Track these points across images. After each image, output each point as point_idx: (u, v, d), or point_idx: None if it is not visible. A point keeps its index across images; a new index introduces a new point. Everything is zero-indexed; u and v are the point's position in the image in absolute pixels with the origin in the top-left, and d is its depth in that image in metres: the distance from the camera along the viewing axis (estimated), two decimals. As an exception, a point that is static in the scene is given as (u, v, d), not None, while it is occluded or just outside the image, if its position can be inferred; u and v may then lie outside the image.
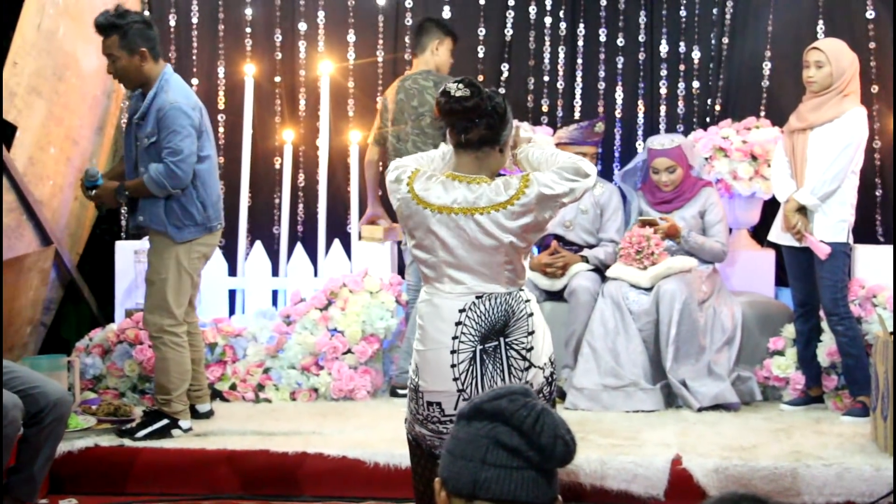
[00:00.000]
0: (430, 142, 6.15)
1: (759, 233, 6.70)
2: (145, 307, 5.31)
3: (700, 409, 5.78)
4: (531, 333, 3.54)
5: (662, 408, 5.87)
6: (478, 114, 3.50)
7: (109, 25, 5.12)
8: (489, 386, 3.50)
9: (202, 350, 5.75)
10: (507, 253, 3.52)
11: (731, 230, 6.47)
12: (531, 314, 3.56)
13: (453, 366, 3.52)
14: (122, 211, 6.81)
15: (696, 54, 7.02)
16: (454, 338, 3.52)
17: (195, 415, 5.55)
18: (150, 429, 5.22)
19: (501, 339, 3.51)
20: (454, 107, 3.49)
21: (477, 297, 3.53)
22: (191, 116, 5.12)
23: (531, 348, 3.53)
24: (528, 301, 3.58)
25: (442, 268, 3.55)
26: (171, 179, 5.08)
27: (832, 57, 5.58)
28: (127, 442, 5.18)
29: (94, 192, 5.34)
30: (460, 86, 3.50)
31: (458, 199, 3.51)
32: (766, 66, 6.91)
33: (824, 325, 5.79)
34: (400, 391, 6.17)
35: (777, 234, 5.82)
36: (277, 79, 7.27)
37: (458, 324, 3.52)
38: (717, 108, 6.99)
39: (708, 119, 6.97)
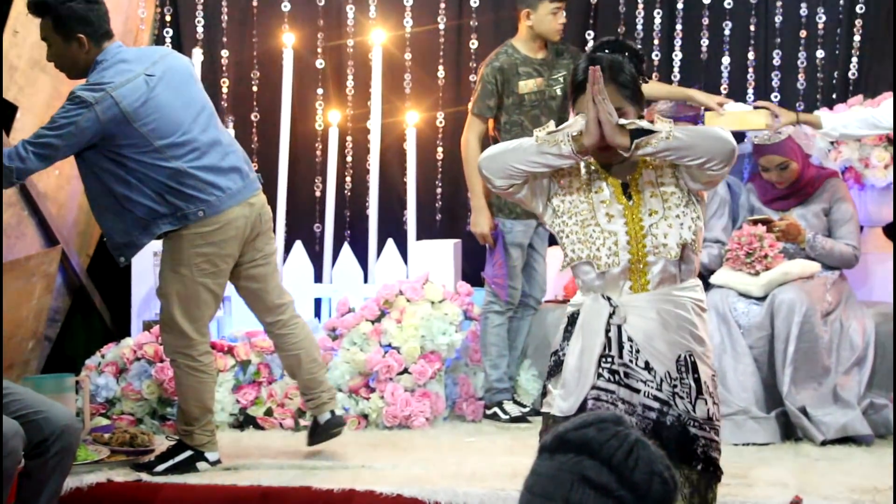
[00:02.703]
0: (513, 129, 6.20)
1: (896, 231, 6.62)
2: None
3: (824, 443, 5.72)
4: None
5: (779, 440, 5.82)
6: None
7: (40, 5, 5.03)
8: None
9: (305, 344, 5.46)
10: None
11: (861, 228, 6.39)
12: None
13: None
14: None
15: (820, 18, 6.94)
16: None
17: (315, 429, 5.51)
18: (171, 462, 5.25)
19: None
20: None
21: None
22: (90, 112, 4.92)
23: None
24: None
25: None
26: (14, 160, 4.90)
27: None
28: (145, 477, 5.20)
29: None
30: None
31: None
32: (908, 31, 6.81)
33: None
34: (502, 414, 6.22)
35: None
36: (321, 50, 7.29)
37: None
38: (846, 82, 6.90)
39: (834, 95, 6.90)
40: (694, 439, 3.61)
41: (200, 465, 5.27)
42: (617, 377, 3.59)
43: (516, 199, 3.75)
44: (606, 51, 3.73)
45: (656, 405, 3.58)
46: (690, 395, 3.61)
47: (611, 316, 3.61)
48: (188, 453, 5.27)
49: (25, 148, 4.94)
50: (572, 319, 3.72)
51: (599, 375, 3.59)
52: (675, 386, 3.60)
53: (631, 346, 3.61)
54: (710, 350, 3.73)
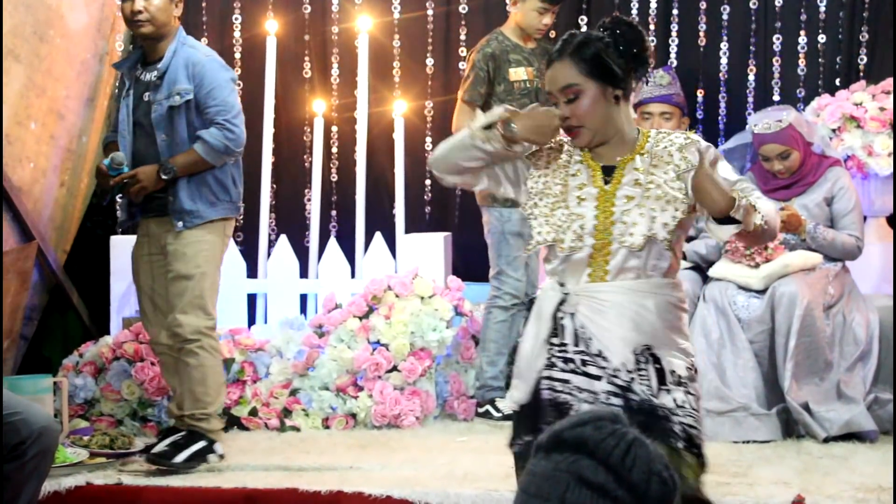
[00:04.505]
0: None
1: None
2: (177, 307, 5.33)
3: (827, 440, 5.74)
4: None
5: (780, 437, 5.83)
6: None
7: None
8: None
9: None
10: None
11: (864, 218, 6.39)
12: None
13: None
14: (118, 199, 6.84)
15: (822, 1, 6.95)
16: None
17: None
18: (190, 451, 5.29)
19: None
20: None
21: None
22: (230, 71, 5.45)
23: None
24: None
25: None
26: (231, 141, 5.30)
27: None
28: (125, 479, 5.19)
29: (126, 180, 5.35)
30: None
31: None
32: (914, 16, 6.82)
33: None
34: (494, 412, 6.22)
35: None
36: (306, 37, 7.29)
37: None
38: (849, 67, 6.91)
39: (837, 81, 6.90)
40: (667, 418, 3.50)
41: (211, 457, 5.33)
42: (572, 365, 3.56)
43: (482, 190, 3.79)
44: (601, 30, 3.70)
45: (619, 391, 3.54)
46: (652, 387, 3.55)
47: (561, 303, 3.59)
48: (203, 443, 5.34)
49: (226, 121, 5.31)
50: (532, 306, 3.74)
51: (553, 365, 3.57)
52: (632, 379, 3.54)
53: (584, 334, 3.58)
54: (683, 346, 3.61)
